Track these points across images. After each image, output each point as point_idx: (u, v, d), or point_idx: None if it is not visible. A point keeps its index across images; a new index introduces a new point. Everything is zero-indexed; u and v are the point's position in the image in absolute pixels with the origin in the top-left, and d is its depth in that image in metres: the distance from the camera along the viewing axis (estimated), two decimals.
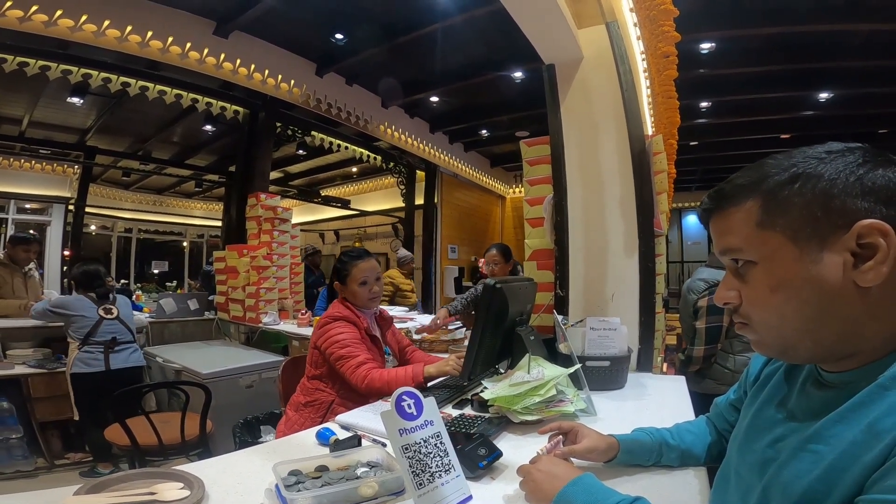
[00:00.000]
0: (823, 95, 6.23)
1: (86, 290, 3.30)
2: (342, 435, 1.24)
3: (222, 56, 4.59)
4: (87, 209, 8.04)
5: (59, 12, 3.66)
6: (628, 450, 1.04)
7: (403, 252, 5.88)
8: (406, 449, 0.82)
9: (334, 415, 1.72)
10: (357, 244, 10.13)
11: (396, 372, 1.73)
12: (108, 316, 3.25)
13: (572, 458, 1.01)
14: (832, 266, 0.57)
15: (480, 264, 3.72)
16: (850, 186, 0.57)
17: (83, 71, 4.30)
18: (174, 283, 9.69)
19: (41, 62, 4.08)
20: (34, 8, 3.56)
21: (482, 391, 1.48)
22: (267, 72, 4.98)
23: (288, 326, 4.25)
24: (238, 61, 4.72)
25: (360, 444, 1.17)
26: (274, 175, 8.13)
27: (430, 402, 0.88)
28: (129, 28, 3.99)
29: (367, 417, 1.41)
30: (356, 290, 1.98)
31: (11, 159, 7.69)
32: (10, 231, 7.85)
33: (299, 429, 1.72)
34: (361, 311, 2.02)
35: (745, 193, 0.64)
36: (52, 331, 3.48)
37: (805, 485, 0.57)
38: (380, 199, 9.97)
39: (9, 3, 3.47)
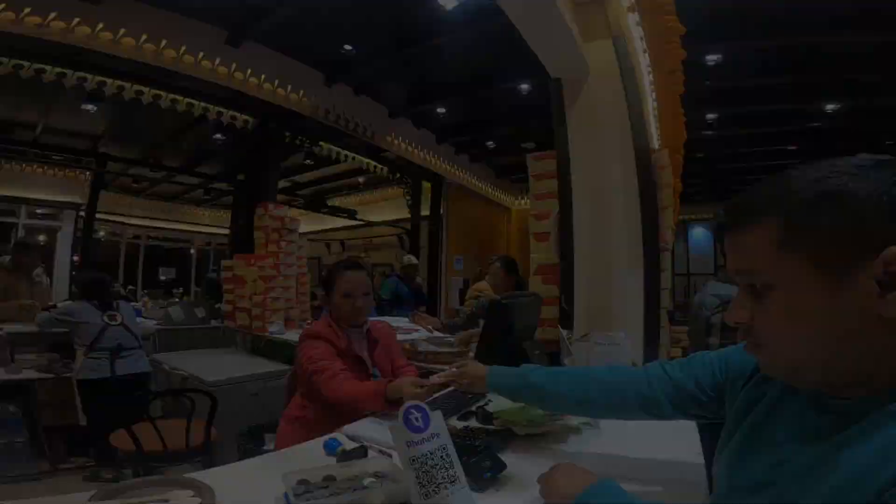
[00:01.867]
0: (831, 107, 6.23)
1: (91, 296, 3.32)
2: (349, 445, 1.25)
3: (234, 65, 4.67)
4: (97, 215, 8.11)
5: (76, 20, 3.76)
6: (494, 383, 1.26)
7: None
8: (413, 461, 0.83)
9: (314, 433, 1.68)
10: (362, 255, 10.14)
11: (366, 386, 1.64)
12: (113, 322, 3.26)
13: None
14: (856, 294, 0.53)
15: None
16: (883, 208, 0.51)
17: (98, 78, 4.37)
18: (181, 289, 9.74)
19: (58, 69, 4.15)
20: (52, 15, 3.65)
21: (487, 404, 1.49)
22: (277, 82, 5.05)
23: (294, 336, 4.23)
24: (249, 71, 4.79)
25: (366, 454, 1.18)
26: (281, 184, 8.17)
27: (436, 416, 0.90)
28: (144, 36, 4.08)
29: (373, 428, 1.42)
30: (338, 301, 1.89)
31: (24, 164, 7.79)
32: (21, 236, 7.93)
33: (291, 442, 1.69)
34: (345, 329, 1.91)
35: (765, 210, 0.59)
36: (60, 336, 3.50)
37: None
38: (386, 209, 9.99)
39: (27, 10, 3.56)
